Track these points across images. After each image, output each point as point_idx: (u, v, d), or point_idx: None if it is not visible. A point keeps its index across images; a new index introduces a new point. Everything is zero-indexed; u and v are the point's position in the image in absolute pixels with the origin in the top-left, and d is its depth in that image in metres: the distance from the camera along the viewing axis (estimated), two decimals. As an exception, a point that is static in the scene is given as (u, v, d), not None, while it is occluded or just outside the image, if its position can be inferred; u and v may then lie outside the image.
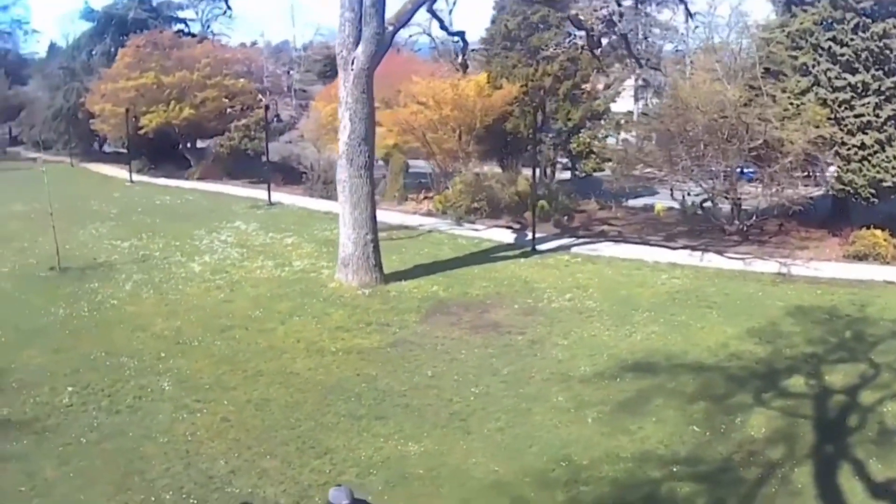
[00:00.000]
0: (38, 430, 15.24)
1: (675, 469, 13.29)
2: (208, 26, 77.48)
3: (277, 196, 39.97)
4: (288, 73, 70.54)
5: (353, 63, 22.87)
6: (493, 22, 41.26)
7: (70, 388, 17.04)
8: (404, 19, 24.76)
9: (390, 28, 24.02)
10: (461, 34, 32.20)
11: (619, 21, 24.38)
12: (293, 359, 18.71)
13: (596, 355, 18.31)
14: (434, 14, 26.89)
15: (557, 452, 13.79)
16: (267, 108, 44.90)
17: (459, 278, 24.77)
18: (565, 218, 32.89)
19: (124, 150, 51.92)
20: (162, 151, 51.22)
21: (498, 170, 37.26)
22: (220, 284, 24.66)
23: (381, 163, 42.16)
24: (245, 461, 14.16)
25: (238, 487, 13.38)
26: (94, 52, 59.33)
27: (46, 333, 20.36)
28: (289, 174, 41.52)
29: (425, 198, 36.35)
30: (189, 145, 51.97)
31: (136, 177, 49.14)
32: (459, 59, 29.40)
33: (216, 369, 18.18)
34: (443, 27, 28.75)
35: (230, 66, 52.27)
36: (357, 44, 22.80)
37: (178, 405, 16.33)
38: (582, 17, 25.32)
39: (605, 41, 28.99)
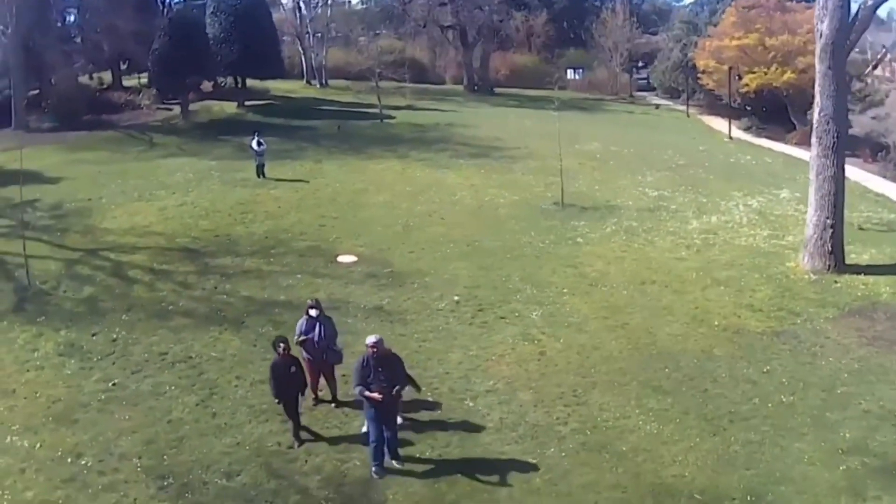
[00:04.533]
0: (394, 319, 19.40)
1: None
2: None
3: (849, 171, 37.22)
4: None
5: (820, 36, 22.84)
6: None
7: (456, 298, 20.72)
8: None
9: (870, 2, 23.13)
10: None
11: None
12: (669, 322, 19.29)
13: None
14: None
15: (764, 486, 12.90)
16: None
17: (927, 286, 21.78)
18: None
19: (747, 108, 55.56)
20: (771, 113, 53.41)
21: None
22: (693, 244, 25.37)
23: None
24: (509, 387, 16.08)
25: (470, 405, 15.34)
26: (716, 10, 63.29)
27: (492, 253, 24.23)
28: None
29: None
30: (796, 109, 52.03)
31: (737, 133, 51.37)
32: None
33: (594, 313, 19.87)
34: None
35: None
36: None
37: (523, 332, 18.71)
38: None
39: None
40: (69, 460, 13.52)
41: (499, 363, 17.08)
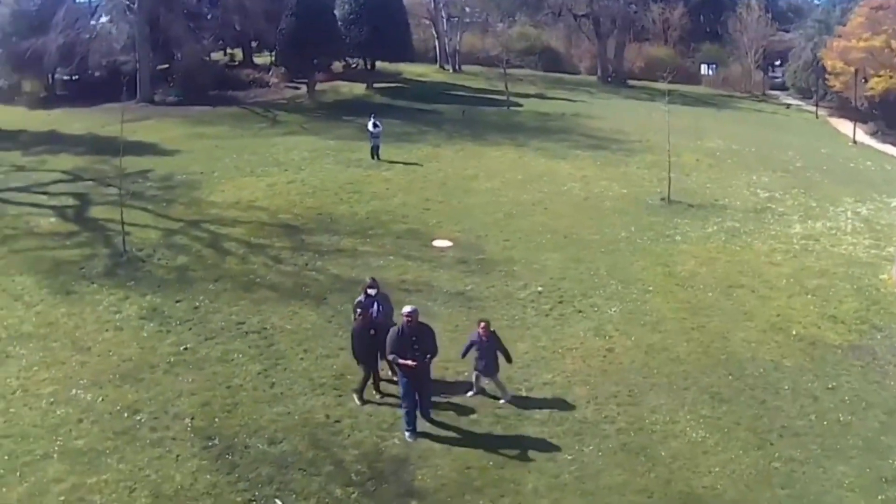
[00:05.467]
0: (473, 305, 19.59)
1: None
2: None
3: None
4: None
5: None
6: None
7: (539, 288, 20.71)
8: None
9: None
10: None
11: None
12: (747, 328, 18.74)
13: None
14: None
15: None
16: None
17: None
18: None
19: (875, 112, 53.23)
20: (896, 117, 50.94)
21: None
22: (791, 249, 24.39)
23: None
24: (567, 381, 16.07)
25: (524, 395, 15.50)
26: (848, 9, 61.27)
27: (587, 246, 23.92)
28: None
29: None
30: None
31: (863, 138, 49.01)
32: None
33: (673, 314, 19.48)
34: None
35: None
36: None
37: (596, 327, 18.59)
38: None
39: None
40: (125, 415, 14.39)
41: (564, 357, 17.05)
